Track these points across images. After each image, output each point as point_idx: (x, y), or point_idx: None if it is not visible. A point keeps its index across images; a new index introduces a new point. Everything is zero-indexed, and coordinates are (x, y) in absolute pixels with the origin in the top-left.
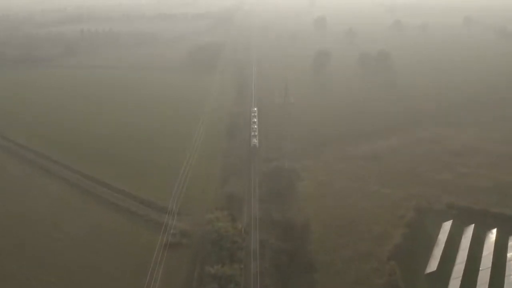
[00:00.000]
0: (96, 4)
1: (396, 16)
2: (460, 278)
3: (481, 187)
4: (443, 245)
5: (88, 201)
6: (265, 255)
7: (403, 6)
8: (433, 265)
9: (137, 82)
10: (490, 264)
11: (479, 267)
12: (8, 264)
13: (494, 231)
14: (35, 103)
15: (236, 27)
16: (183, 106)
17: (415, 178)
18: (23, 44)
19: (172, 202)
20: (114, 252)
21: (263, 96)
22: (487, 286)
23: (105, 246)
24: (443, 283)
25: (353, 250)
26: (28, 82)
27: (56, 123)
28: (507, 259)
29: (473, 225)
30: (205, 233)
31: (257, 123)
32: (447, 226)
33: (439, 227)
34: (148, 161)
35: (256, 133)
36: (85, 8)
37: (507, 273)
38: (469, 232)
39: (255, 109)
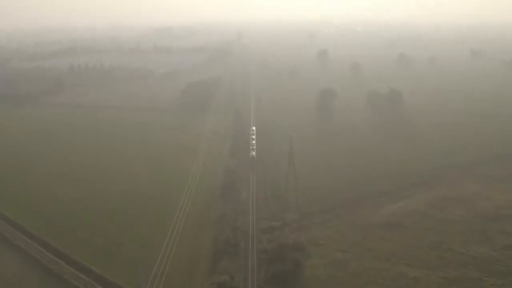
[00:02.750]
0: (92, 36)
1: (398, 48)
2: None
3: None
4: None
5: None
6: None
7: (404, 39)
8: None
9: (121, 127)
10: None
11: None
12: None
13: None
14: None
15: (234, 61)
16: (169, 161)
17: (448, 254)
18: (7, 79)
19: None
20: None
21: (263, 149)
22: None
23: None
24: None
25: None
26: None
27: (23, 178)
28: None
29: None
30: None
31: (255, 139)
32: None
33: None
34: (124, 231)
35: (254, 147)
36: (80, 41)
37: None
38: None
39: (254, 128)
